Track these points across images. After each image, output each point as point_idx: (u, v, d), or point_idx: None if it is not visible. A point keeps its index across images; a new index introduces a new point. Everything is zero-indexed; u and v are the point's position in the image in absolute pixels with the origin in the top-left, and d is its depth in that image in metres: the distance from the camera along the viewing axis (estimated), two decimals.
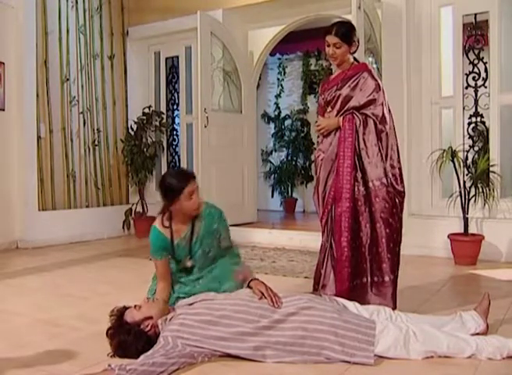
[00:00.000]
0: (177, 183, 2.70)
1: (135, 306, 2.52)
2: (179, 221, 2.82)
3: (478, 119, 4.91)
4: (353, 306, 2.61)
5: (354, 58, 3.09)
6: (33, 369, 2.26)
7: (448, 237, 4.63)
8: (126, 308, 2.54)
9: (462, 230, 4.61)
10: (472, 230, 4.66)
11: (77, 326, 2.92)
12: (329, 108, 3.07)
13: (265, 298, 2.45)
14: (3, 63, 5.68)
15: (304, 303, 2.44)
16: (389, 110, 2.97)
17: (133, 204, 6.70)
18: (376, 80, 2.95)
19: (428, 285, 3.84)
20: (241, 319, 2.35)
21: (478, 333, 2.50)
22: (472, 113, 4.93)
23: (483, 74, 4.87)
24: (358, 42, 3.05)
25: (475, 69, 4.91)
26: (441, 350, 2.31)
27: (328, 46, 2.98)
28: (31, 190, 5.79)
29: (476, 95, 4.90)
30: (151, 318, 2.45)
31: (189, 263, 2.87)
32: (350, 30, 3.00)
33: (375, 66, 5.53)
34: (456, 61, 4.99)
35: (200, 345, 2.30)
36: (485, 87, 4.88)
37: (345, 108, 2.98)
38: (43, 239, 5.80)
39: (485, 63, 4.88)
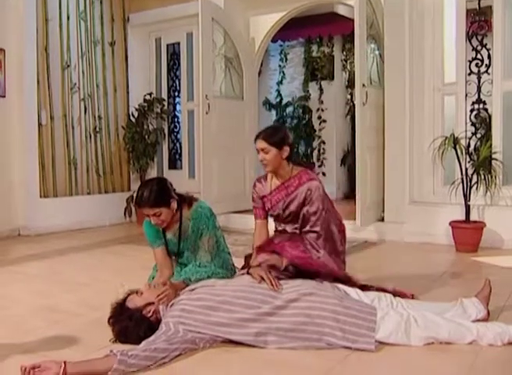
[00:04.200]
0: (134, 202, 2.84)
1: (136, 292, 2.53)
2: None
3: (481, 105, 4.85)
4: (354, 292, 2.62)
5: (296, 163, 2.99)
6: (36, 355, 2.26)
7: (449, 224, 4.62)
8: (128, 295, 2.54)
9: (464, 218, 4.59)
10: (474, 217, 4.64)
11: (79, 313, 2.93)
12: (281, 224, 3.04)
13: (264, 281, 2.47)
14: (3, 50, 5.64)
15: (305, 289, 2.44)
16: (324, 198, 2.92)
17: (134, 191, 6.67)
18: (319, 192, 2.87)
19: (429, 272, 3.83)
20: (242, 305, 2.35)
21: (478, 320, 2.50)
22: (475, 100, 4.87)
23: (486, 61, 4.82)
24: (291, 147, 2.90)
25: (478, 56, 4.85)
26: (442, 336, 2.32)
27: (258, 152, 2.89)
28: (33, 177, 5.79)
29: (479, 82, 4.85)
30: (152, 304, 2.46)
31: (174, 263, 2.97)
32: (278, 133, 2.88)
33: (377, 52, 5.50)
34: (459, 47, 4.94)
35: (201, 331, 2.30)
36: (488, 74, 4.84)
37: (292, 217, 2.95)
38: (44, 226, 5.81)
39: (488, 50, 4.83)
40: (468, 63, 4.86)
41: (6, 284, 3.66)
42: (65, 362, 2.00)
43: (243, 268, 2.94)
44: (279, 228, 3.08)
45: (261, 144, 2.86)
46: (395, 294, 2.74)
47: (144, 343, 2.19)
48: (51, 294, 3.34)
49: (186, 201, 2.91)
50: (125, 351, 2.08)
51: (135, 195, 2.85)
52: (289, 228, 3.01)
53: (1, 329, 2.69)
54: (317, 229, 2.86)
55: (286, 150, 2.87)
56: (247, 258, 3.01)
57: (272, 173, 2.97)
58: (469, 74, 4.88)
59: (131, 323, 2.37)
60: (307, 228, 2.89)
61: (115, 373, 2.03)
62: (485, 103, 4.85)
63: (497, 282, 2.92)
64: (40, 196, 5.88)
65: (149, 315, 2.42)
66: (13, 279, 3.81)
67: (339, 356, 2.24)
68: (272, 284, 2.46)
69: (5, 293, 3.42)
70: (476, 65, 4.84)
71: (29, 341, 2.48)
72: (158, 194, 2.75)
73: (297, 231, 2.97)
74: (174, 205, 2.80)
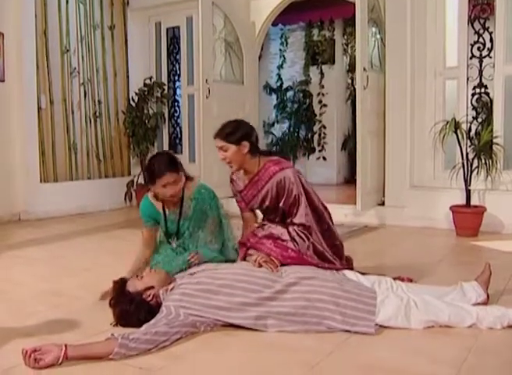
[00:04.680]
0: (150, 176, 2.77)
1: (137, 276, 2.54)
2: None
3: (482, 90, 4.84)
4: (353, 276, 2.63)
5: (264, 153, 2.89)
6: (37, 338, 2.26)
7: (450, 208, 4.61)
8: (127, 279, 2.56)
9: (464, 202, 4.58)
10: (474, 201, 4.63)
11: (80, 297, 2.93)
12: (264, 215, 2.95)
13: (260, 265, 2.50)
14: (2, 33, 5.59)
15: (305, 273, 2.46)
16: (303, 186, 2.81)
17: (134, 175, 6.69)
18: (291, 180, 2.75)
19: (429, 256, 3.84)
20: (243, 289, 2.35)
21: (478, 304, 2.51)
22: (476, 84, 4.86)
23: (488, 44, 4.79)
24: (251, 142, 2.77)
25: (480, 39, 4.82)
26: (442, 319, 2.32)
27: (219, 151, 2.78)
28: (33, 162, 5.78)
29: (481, 66, 4.82)
30: (152, 288, 2.46)
31: (174, 243, 2.99)
32: (234, 130, 2.75)
33: (378, 36, 5.46)
34: (461, 31, 4.89)
35: (202, 315, 2.31)
36: (490, 58, 4.80)
37: (271, 211, 2.87)
38: (45, 211, 5.81)
39: (490, 33, 4.79)
40: (470, 47, 4.83)
41: (7, 268, 3.67)
42: (66, 345, 2.01)
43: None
44: (265, 217, 2.98)
45: (219, 142, 2.75)
46: (394, 277, 2.75)
47: (144, 326, 2.19)
48: (52, 278, 3.34)
49: (188, 179, 2.93)
50: (126, 335, 2.08)
51: (148, 169, 2.81)
52: (273, 218, 2.92)
53: (3, 312, 2.69)
54: (302, 221, 2.75)
55: (246, 145, 2.73)
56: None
57: (240, 170, 2.86)
58: (471, 58, 4.85)
59: (131, 306, 2.37)
60: (292, 220, 2.78)
61: (116, 357, 2.03)
62: (486, 87, 4.83)
63: (497, 266, 2.93)
64: (41, 181, 5.86)
65: (149, 299, 2.42)
66: (14, 263, 3.82)
67: (339, 339, 2.24)
68: (271, 268, 2.48)
69: (6, 277, 3.42)
70: (478, 48, 4.81)
71: (30, 324, 2.48)
72: (175, 160, 2.79)
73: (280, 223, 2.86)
74: (184, 177, 2.83)
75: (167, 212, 2.93)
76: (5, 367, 2.01)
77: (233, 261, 2.91)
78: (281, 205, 2.78)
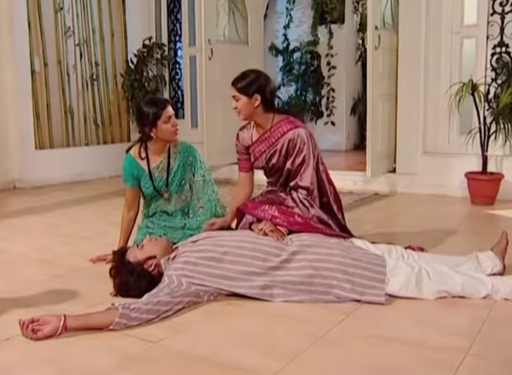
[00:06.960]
0: (155, 108, 2.84)
1: (137, 245, 2.49)
2: (155, 153, 2.97)
3: (503, 49, 4.60)
4: (362, 244, 2.58)
5: (279, 111, 2.86)
6: (36, 308, 2.23)
7: (465, 175, 4.47)
8: (127, 249, 2.52)
9: (480, 169, 4.45)
10: (491, 168, 4.50)
11: (79, 266, 2.88)
12: (269, 177, 2.94)
13: (266, 234, 2.45)
14: None
15: (310, 241, 2.39)
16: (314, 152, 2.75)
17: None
18: (303, 139, 2.71)
19: (443, 225, 3.75)
20: (248, 257, 2.30)
21: (494, 274, 2.44)
22: (497, 43, 4.62)
23: None
24: (265, 96, 2.72)
25: None
26: (455, 290, 2.26)
27: (232, 99, 2.79)
28: (27, 128, 5.62)
29: (502, 23, 4.57)
30: (153, 257, 2.41)
31: (166, 195, 3.00)
32: (249, 81, 2.72)
33: None
34: None
35: (205, 284, 2.27)
36: None
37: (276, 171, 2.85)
38: (41, 179, 5.67)
39: None
40: (491, 2, 4.58)
41: (4, 238, 3.62)
42: (65, 316, 1.98)
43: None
44: (268, 180, 2.97)
45: (232, 91, 2.77)
46: (405, 247, 2.70)
47: (146, 296, 2.15)
48: (49, 248, 3.29)
49: None
50: (127, 305, 2.04)
51: (149, 104, 2.88)
52: (276, 179, 2.88)
53: (1, 283, 2.66)
54: (307, 184, 2.71)
55: (257, 99, 2.71)
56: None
57: (250, 121, 2.87)
58: (491, 14, 4.61)
59: (132, 278, 2.34)
60: (295, 182, 2.73)
61: (116, 327, 1.99)
62: (507, 46, 4.60)
63: None
64: (36, 147, 5.71)
65: (151, 269, 2.38)
66: (11, 232, 3.78)
67: (348, 310, 2.19)
68: (278, 236, 2.43)
69: (2, 246, 3.37)
70: (500, 4, 4.56)
71: (28, 294, 2.46)
72: None
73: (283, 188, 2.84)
74: None
75: (151, 168, 2.95)
76: (3, 338, 1.98)
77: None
78: (288, 165, 2.76)
